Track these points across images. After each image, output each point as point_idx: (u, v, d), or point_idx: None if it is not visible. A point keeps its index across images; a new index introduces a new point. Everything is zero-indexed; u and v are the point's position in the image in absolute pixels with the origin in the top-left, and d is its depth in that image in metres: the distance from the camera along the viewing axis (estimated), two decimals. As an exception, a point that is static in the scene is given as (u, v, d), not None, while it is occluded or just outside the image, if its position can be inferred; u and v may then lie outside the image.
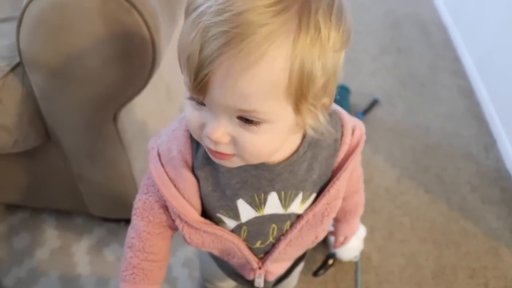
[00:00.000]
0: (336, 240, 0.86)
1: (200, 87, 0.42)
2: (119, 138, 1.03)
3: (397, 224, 1.44)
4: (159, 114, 1.30)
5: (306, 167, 0.57)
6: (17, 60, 0.93)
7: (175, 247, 1.26)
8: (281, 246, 0.65)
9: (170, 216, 0.63)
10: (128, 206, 1.21)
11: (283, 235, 0.64)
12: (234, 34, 0.38)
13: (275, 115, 0.44)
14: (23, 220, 1.36)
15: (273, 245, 0.66)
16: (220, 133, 0.45)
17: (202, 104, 0.46)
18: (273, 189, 0.57)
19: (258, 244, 0.65)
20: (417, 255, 1.35)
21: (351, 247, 1.24)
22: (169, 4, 0.92)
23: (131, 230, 0.66)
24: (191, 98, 0.46)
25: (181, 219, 0.59)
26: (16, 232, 1.32)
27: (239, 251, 0.64)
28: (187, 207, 0.58)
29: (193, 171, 0.57)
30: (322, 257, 1.28)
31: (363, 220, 1.34)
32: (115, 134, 1.02)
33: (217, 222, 0.62)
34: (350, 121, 0.61)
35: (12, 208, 1.39)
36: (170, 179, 0.57)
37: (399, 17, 2.55)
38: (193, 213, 0.59)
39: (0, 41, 0.99)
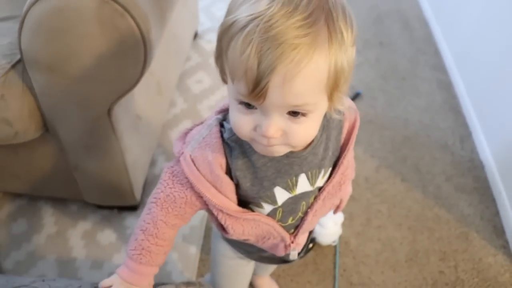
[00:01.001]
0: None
1: (260, 94, 0.50)
2: (113, 131, 1.10)
3: (374, 211, 1.53)
4: (150, 107, 1.38)
5: (324, 148, 0.67)
6: (17, 57, 1.00)
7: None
8: (309, 217, 0.74)
9: (187, 212, 0.71)
10: (121, 195, 1.30)
11: (309, 207, 0.74)
12: (285, 47, 0.47)
13: (318, 105, 0.54)
14: (21, 207, 1.43)
15: (302, 219, 0.75)
16: (274, 130, 0.54)
17: (252, 107, 0.54)
18: (302, 171, 0.67)
19: (290, 221, 0.74)
20: (393, 240, 1.45)
21: (330, 233, 1.33)
22: (159, 8, 0.99)
23: (146, 216, 0.72)
24: (241, 104, 0.55)
25: (223, 213, 0.68)
26: (14, 218, 1.40)
27: (275, 231, 0.73)
28: (227, 202, 0.67)
29: (227, 172, 0.66)
30: (303, 241, 1.37)
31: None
32: (110, 127, 1.09)
33: (254, 208, 0.71)
34: (346, 100, 0.72)
35: (10, 196, 1.46)
36: (208, 181, 0.65)
37: (383, 12, 2.63)
38: (233, 206, 0.68)
39: (1, 39, 1.06)
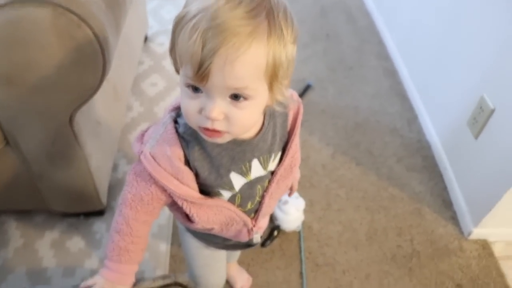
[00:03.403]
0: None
1: (203, 76, 0.56)
2: (76, 138, 1.12)
3: (333, 196, 1.61)
4: (109, 113, 1.40)
5: (272, 134, 0.73)
6: (-27, 71, 0.99)
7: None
8: (266, 200, 0.81)
9: (156, 207, 0.76)
10: (87, 200, 1.32)
11: (265, 191, 0.80)
12: (227, 33, 0.53)
13: (258, 92, 0.59)
14: (-17, 223, 1.42)
15: (260, 202, 0.82)
16: (217, 112, 0.58)
17: (198, 91, 0.60)
18: (254, 157, 0.73)
19: (249, 206, 0.80)
20: (352, 221, 1.53)
21: (293, 219, 1.40)
22: (113, 15, 1.02)
23: (118, 218, 0.76)
24: (189, 87, 0.60)
25: (187, 202, 0.72)
26: (-22, 235, 1.38)
27: (237, 216, 0.79)
28: (190, 191, 0.71)
29: (186, 164, 0.70)
30: (268, 230, 1.44)
31: (303, 194, 1.50)
32: (72, 135, 1.11)
33: (215, 197, 0.75)
34: (288, 92, 0.79)
35: (-30, 212, 1.44)
36: (169, 174, 0.70)
37: (327, 5, 2.72)
38: (195, 194, 0.72)
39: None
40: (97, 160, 1.27)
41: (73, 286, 0.77)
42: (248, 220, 0.81)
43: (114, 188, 1.51)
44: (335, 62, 2.29)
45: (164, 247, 1.37)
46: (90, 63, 0.94)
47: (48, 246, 1.37)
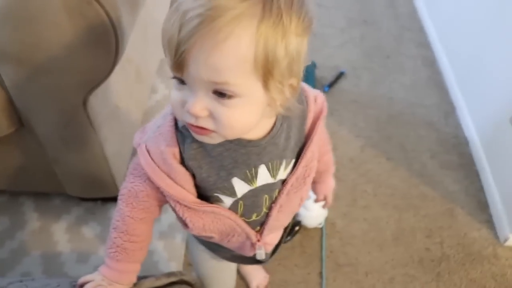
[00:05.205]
0: (317, 200, 0.96)
1: (178, 63, 0.49)
2: (90, 122, 1.08)
3: (360, 191, 1.53)
4: (129, 96, 1.35)
5: (285, 137, 0.64)
6: (-15, 51, 0.97)
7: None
8: (274, 213, 0.72)
9: (153, 204, 0.69)
10: (103, 186, 1.28)
11: (273, 202, 0.71)
12: (206, 16, 0.45)
13: (246, 89, 0.50)
14: (2, 204, 1.41)
15: (267, 215, 0.73)
16: (199, 107, 0.51)
17: (183, 83, 0.52)
18: (262, 162, 0.64)
19: (254, 217, 0.71)
20: (379, 220, 1.45)
21: (315, 215, 1.33)
22: (129, -7, 0.97)
23: (116, 213, 0.71)
24: (174, 78, 0.53)
25: (180, 204, 0.65)
26: (-4, 215, 1.38)
27: (238, 226, 0.70)
28: (183, 192, 0.64)
29: (182, 162, 0.63)
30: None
31: (328, 189, 1.42)
32: (86, 118, 1.07)
33: (214, 202, 0.68)
34: (311, 91, 0.70)
35: (-11, 193, 1.44)
36: (162, 171, 0.63)
37: (366, -11, 2.60)
38: (190, 196, 0.65)
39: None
40: (114, 144, 1.23)
41: (71, 281, 0.72)
42: (251, 233, 0.73)
43: (134, 173, 1.47)
44: (371, 49, 2.18)
45: (179, 238, 1.33)
46: (101, 43, 0.89)
47: (64, 230, 1.35)
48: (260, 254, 0.78)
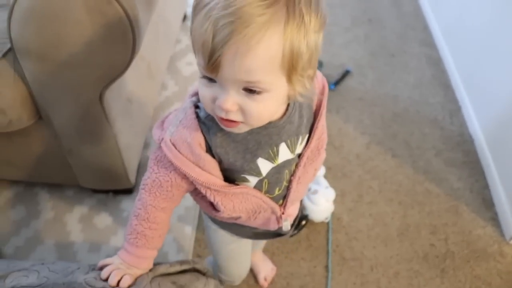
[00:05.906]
0: None
1: (213, 67, 0.53)
2: (105, 116, 1.12)
3: (366, 187, 1.56)
4: (141, 91, 1.39)
5: (298, 115, 0.70)
6: (8, 46, 1.00)
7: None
8: (294, 185, 0.77)
9: (175, 194, 0.74)
10: (115, 178, 1.32)
11: (292, 175, 0.77)
12: (239, 23, 0.50)
13: (273, 85, 0.56)
14: (18, 194, 1.45)
15: (287, 188, 0.78)
16: (230, 103, 0.56)
17: (212, 81, 0.57)
18: (282, 140, 0.69)
19: (277, 191, 0.77)
20: (384, 215, 1.48)
21: (322, 209, 1.36)
22: (146, -7, 1.00)
23: (138, 202, 0.75)
24: (204, 77, 0.58)
25: (210, 189, 0.70)
26: (12, 205, 1.42)
27: (264, 203, 0.76)
28: (213, 178, 0.69)
29: (208, 151, 0.68)
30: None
31: (334, 184, 1.46)
32: (102, 112, 1.10)
33: (241, 183, 0.73)
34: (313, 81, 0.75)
35: (7, 183, 1.47)
36: (191, 161, 0.68)
37: (372, -12, 2.62)
38: (219, 181, 0.70)
39: (-11, 28, 1.06)
40: (127, 138, 1.26)
41: (90, 265, 0.76)
42: (276, 207, 0.78)
43: (144, 167, 1.48)
44: (376, 48, 2.21)
45: (189, 230, 1.36)
46: (119, 40, 0.93)
47: (77, 220, 1.39)
48: (286, 226, 0.84)
